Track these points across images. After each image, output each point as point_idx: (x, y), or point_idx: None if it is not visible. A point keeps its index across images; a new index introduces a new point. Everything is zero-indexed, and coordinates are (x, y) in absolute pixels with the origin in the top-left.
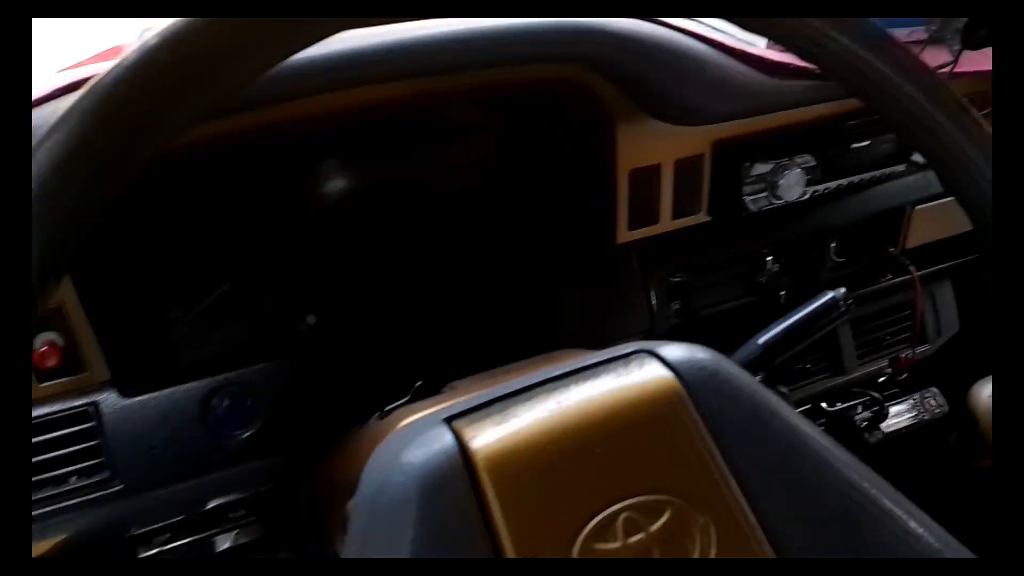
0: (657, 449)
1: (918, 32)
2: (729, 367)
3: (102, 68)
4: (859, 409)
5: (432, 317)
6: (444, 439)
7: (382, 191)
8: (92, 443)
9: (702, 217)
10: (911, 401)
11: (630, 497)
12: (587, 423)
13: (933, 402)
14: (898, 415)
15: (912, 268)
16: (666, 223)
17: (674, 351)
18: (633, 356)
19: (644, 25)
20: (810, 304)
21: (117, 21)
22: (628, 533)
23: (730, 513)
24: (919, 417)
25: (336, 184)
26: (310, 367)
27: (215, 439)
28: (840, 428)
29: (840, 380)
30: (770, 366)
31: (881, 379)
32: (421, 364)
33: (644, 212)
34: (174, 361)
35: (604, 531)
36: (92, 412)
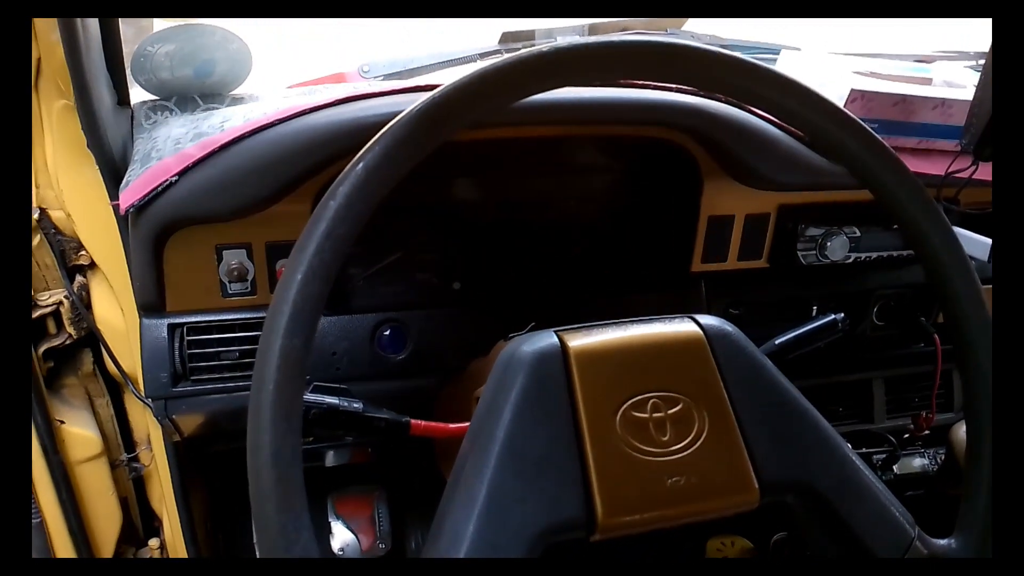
0: (681, 369)
1: (951, 143)
2: (739, 335)
3: (338, 89)
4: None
5: (546, 294)
6: (551, 338)
7: (518, 203)
8: None
9: (762, 263)
10: (925, 454)
11: (659, 391)
12: (640, 344)
13: (943, 456)
14: (909, 463)
15: (937, 339)
16: (732, 262)
17: (707, 319)
18: (679, 317)
19: (734, 110)
20: (816, 320)
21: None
22: (654, 410)
23: (721, 413)
24: (927, 468)
25: (486, 193)
26: (452, 317)
27: (379, 356)
28: None
29: (869, 427)
30: (783, 359)
31: (905, 435)
32: (536, 319)
33: (716, 251)
34: (357, 298)
35: (639, 406)
36: None
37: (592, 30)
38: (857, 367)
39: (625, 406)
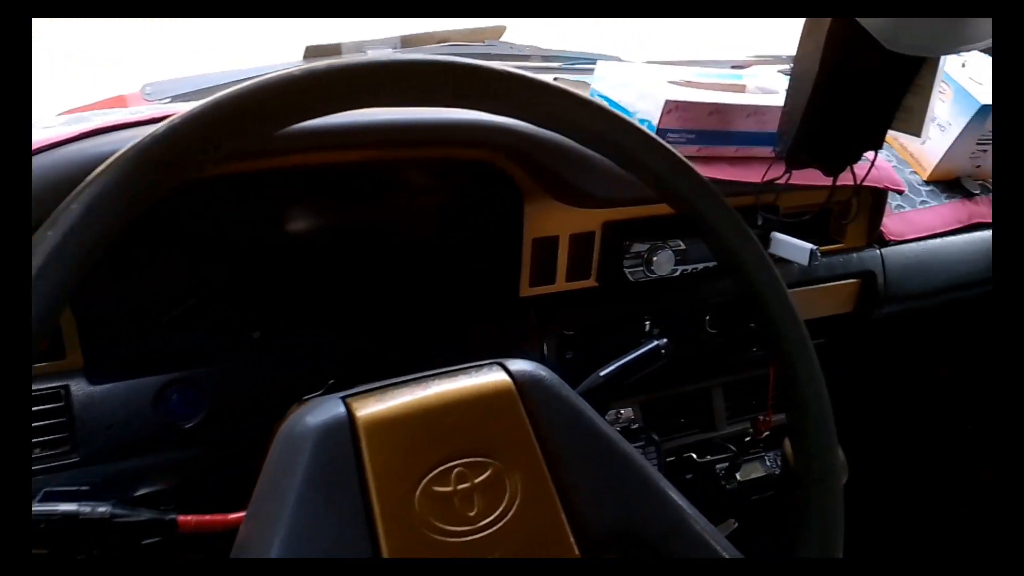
0: (488, 428)
1: (768, 150)
2: (553, 380)
3: (111, 115)
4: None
5: (364, 340)
6: (338, 408)
7: (337, 232)
8: (59, 420)
9: (591, 282)
10: (767, 457)
11: (464, 457)
12: (440, 405)
13: (780, 460)
14: (752, 468)
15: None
16: (561, 284)
17: (517, 365)
18: (487, 365)
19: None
20: (640, 349)
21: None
22: (459, 480)
23: (535, 474)
24: (770, 471)
25: (299, 223)
26: (252, 372)
27: (167, 424)
28: (705, 476)
29: (711, 435)
30: (609, 392)
31: (747, 438)
32: (347, 372)
33: (544, 273)
34: (138, 357)
35: (441, 478)
36: (63, 393)
37: (405, 42)
38: (696, 377)
39: (425, 480)
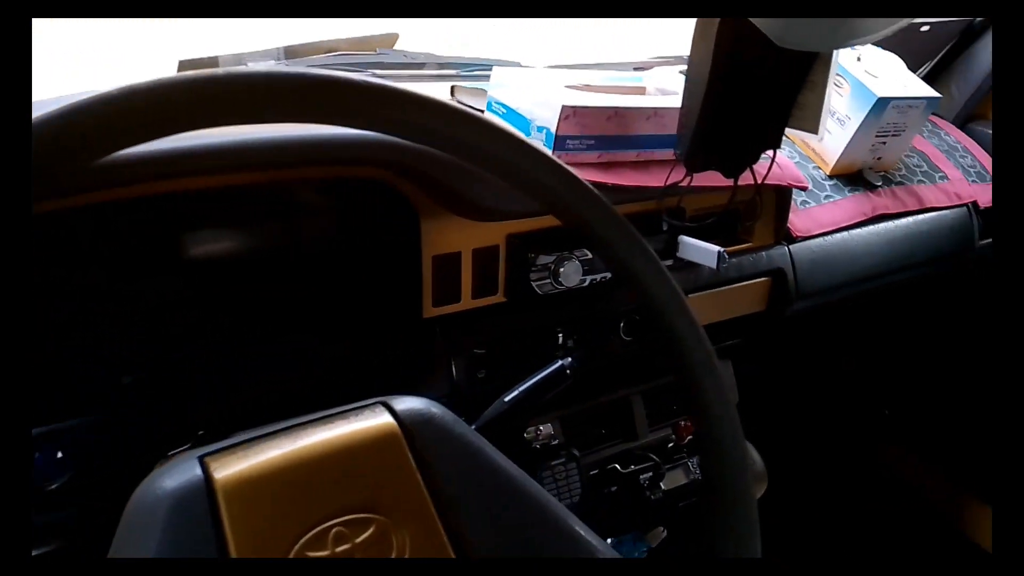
0: (370, 479)
1: (669, 153)
2: (445, 417)
3: None
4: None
5: (252, 380)
6: (193, 470)
7: (223, 261)
8: None
9: (499, 298)
10: (689, 463)
11: (343, 515)
12: (314, 457)
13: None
14: (676, 476)
15: None
16: (467, 301)
17: (403, 403)
18: (369, 407)
19: None
20: (544, 370)
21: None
22: (336, 543)
23: (426, 527)
24: (692, 477)
25: (182, 251)
26: (123, 422)
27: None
28: (630, 488)
29: (633, 444)
30: (515, 417)
31: (669, 444)
32: (224, 420)
33: (448, 292)
34: None
35: (317, 541)
36: None
37: (290, 53)
38: (614, 386)
39: (298, 546)
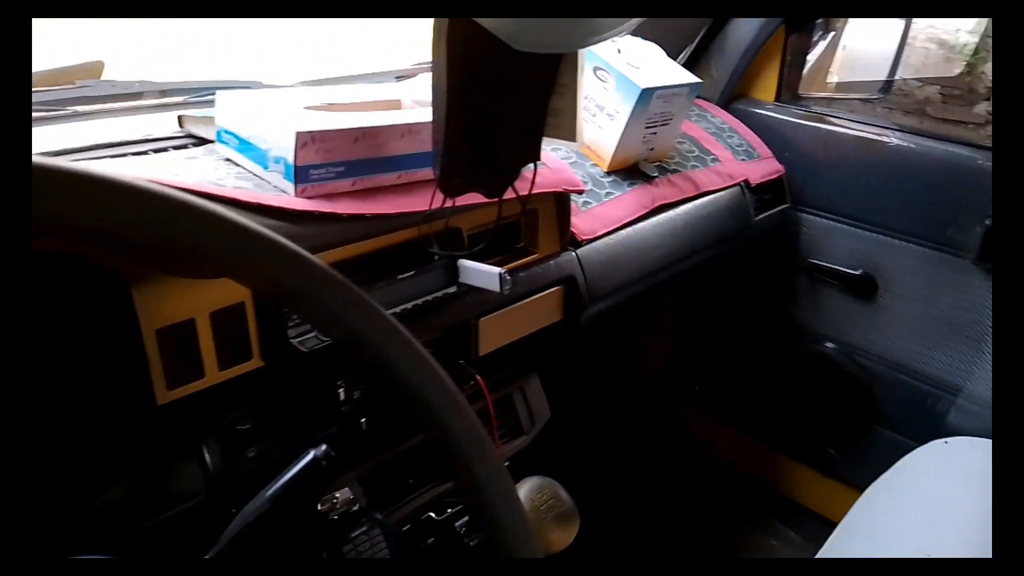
0: None
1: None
2: None
3: None
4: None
5: None
6: None
7: None
8: None
9: (256, 363)
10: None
11: None
12: None
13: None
14: None
15: (478, 376)
16: (214, 375)
17: None
18: None
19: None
20: (291, 468)
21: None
22: None
23: None
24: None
25: None
26: None
27: None
28: (448, 538)
29: (445, 487)
30: (275, 520)
31: None
32: None
33: (186, 368)
34: None
35: None
36: None
37: None
38: (413, 429)
39: None
